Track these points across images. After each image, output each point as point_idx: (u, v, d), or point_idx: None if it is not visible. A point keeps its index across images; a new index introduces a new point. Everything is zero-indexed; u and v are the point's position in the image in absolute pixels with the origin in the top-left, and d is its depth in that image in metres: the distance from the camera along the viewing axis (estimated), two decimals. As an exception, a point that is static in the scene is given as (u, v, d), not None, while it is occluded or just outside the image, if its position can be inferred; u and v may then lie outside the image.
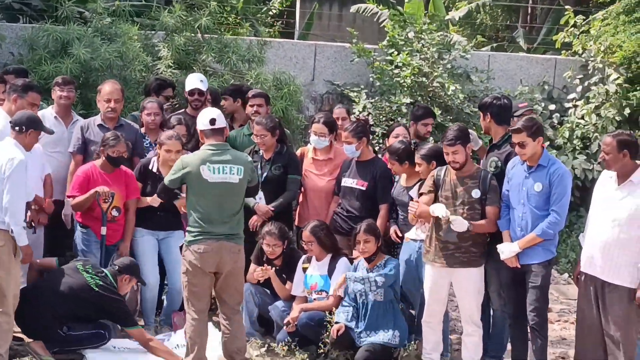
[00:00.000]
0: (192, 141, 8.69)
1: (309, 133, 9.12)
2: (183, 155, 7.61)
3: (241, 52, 10.90)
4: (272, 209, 8.62)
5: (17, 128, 7.43)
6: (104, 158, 8.25)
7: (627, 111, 12.25)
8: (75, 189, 8.22)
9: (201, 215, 7.17)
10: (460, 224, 7.42)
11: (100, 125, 8.73)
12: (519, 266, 7.36)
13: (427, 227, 7.82)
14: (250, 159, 7.65)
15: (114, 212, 8.25)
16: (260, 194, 8.53)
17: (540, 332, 7.34)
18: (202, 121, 7.38)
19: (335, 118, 9.25)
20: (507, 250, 7.37)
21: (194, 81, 9.44)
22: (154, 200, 8.25)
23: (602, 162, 7.22)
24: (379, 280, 7.80)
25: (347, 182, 8.64)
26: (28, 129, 7.44)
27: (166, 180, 7.37)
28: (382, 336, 7.83)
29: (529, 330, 7.56)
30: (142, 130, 9.02)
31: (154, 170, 8.48)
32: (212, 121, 7.30)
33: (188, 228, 7.30)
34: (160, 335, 8.20)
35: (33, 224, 7.91)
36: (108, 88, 8.80)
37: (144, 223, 8.47)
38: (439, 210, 7.45)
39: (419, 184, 8.09)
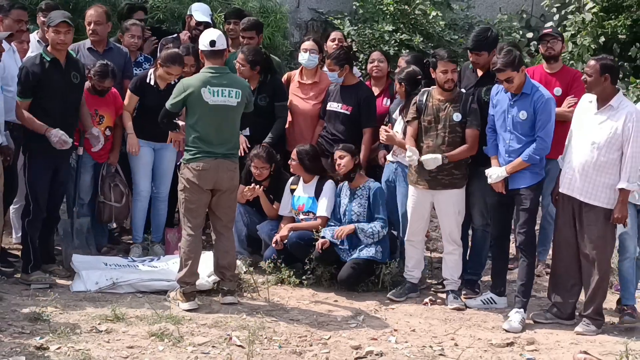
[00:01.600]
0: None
1: (300, 53, 9.06)
2: (183, 79, 7.71)
3: (229, -23, 10.79)
4: (269, 141, 8.65)
5: None
6: (90, 84, 8.32)
7: (602, 39, 12.36)
8: None
9: (200, 135, 7.29)
10: (433, 162, 7.55)
11: (90, 49, 8.76)
12: (504, 192, 7.45)
13: (400, 150, 8.01)
14: (248, 83, 7.78)
15: (107, 132, 8.44)
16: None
17: (528, 253, 7.51)
18: (203, 42, 7.46)
19: (332, 40, 9.41)
20: (495, 174, 7.45)
21: (204, 15, 9.41)
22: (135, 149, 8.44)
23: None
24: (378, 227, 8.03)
25: (332, 106, 8.74)
26: None
27: (168, 105, 7.42)
28: (366, 252, 8.02)
29: (516, 252, 7.79)
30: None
31: (151, 83, 8.53)
32: (212, 43, 7.39)
33: (186, 147, 7.42)
34: (147, 258, 8.34)
35: None
36: (90, 11, 8.82)
37: (141, 134, 8.51)
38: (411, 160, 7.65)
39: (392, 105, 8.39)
